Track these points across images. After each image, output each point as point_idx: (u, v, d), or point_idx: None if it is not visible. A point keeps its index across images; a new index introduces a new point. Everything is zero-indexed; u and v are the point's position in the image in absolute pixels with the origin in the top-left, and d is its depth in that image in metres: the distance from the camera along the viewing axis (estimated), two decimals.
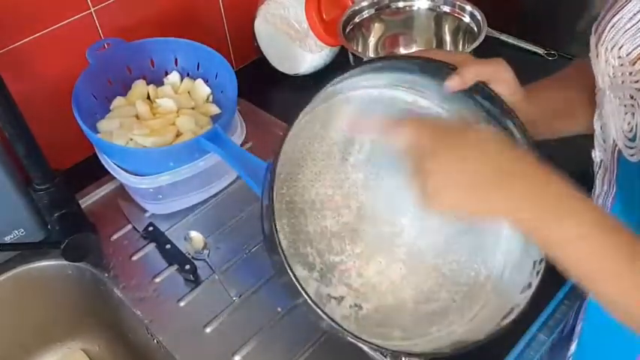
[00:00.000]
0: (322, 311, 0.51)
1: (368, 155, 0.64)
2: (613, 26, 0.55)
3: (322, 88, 0.56)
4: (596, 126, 0.61)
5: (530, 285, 0.57)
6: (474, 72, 0.59)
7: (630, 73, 0.53)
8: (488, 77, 0.60)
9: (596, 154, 0.62)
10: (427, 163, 0.49)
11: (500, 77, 0.60)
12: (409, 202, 0.62)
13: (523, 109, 0.62)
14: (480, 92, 0.59)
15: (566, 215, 0.48)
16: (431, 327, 0.60)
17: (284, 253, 0.51)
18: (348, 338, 0.53)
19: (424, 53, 0.61)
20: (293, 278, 0.51)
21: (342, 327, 0.52)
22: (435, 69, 0.59)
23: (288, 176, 0.61)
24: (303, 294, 0.51)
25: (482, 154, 0.50)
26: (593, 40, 0.58)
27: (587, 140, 0.64)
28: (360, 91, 0.63)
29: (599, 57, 0.57)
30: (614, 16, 0.55)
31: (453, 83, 0.59)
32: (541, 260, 0.57)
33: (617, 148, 0.56)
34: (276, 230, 0.51)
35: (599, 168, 0.62)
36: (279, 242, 0.51)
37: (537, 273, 0.57)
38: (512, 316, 0.57)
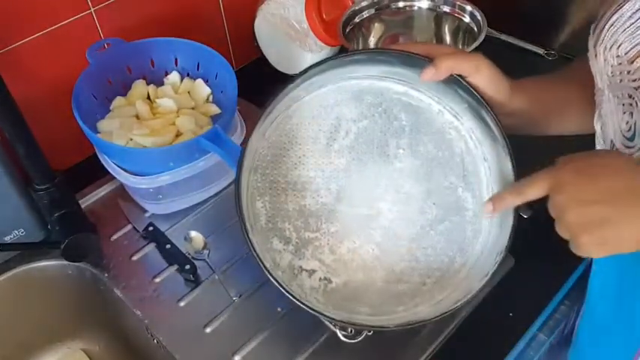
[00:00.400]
0: (277, 282, 0.59)
1: (352, 142, 0.67)
2: (612, 25, 0.55)
3: (300, 76, 0.61)
4: (597, 126, 0.61)
5: (487, 274, 0.61)
6: (450, 64, 0.60)
7: (628, 72, 0.53)
8: (466, 71, 0.61)
9: None
10: (561, 198, 0.50)
11: (480, 72, 0.61)
12: (389, 189, 0.67)
13: (509, 104, 0.63)
14: (457, 84, 0.62)
15: None
16: (398, 307, 0.64)
17: (245, 227, 0.59)
18: (310, 312, 0.59)
19: (408, 47, 0.62)
20: (253, 251, 0.58)
21: (300, 301, 0.59)
22: (415, 61, 0.61)
23: (274, 158, 0.66)
24: (263, 268, 0.59)
25: (614, 172, 0.49)
26: (591, 40, 0.58)
27: (589, 141, 0.64)
28: (351, 81, 0.66)
29: (598, 56, 0.57)
30: (613, 14, 0.55)
31: (427, 74, 0.60)
32: (501, 252, 0.61)
33: (614, 149, 0.56)
34: (240, 207, 0.59)
35: None
36: (244, 220, 0.59)
37: (496, 263, 0.61)
38: (464, 300, 0.61)
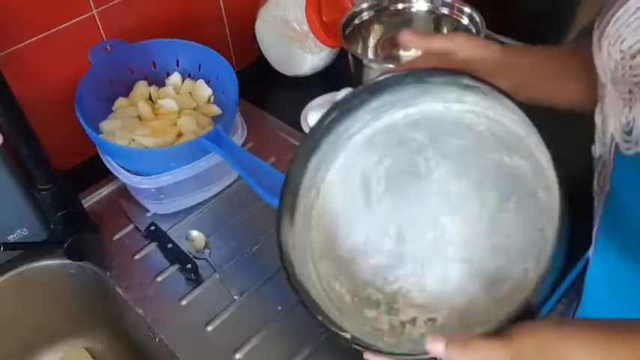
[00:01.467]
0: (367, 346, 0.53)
1: (386, 184, 0.65)
2: (617, 20, 0.54)
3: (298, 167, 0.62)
4: (597, 120, 0.61)
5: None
6: (425, 41, 0.63)
7: (630, 67, 0.53)
8: (442, 45, 0.63)
9: (596, 149, 0.62)
10: None
11: (454, 39, 0.63)
12: (440, 202, 0.63)
13: (504, 64, 0.64)
14: (439, 74, 0.61)
15: None
16: (507, 310, 0.57)
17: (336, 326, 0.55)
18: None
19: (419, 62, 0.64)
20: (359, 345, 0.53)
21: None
22: (380, 87, 0.62)
23: (326, 239, 0.65)
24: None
25: None
26: (596, 33, 0.58)
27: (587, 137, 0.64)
28: (354, 139, 0.66)
29: (602, 50, 0.57)
30: (619, 9, 0.54)
31: (405, 35, 0.63)
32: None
33: (614, 142, 0.57)
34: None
35: (598, 163, 0.62)
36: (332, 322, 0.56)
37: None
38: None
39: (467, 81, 0.59)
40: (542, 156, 0.56)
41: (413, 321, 0.60)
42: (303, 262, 0.62)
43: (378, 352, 0.53)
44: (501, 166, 0.60)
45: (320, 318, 0.56)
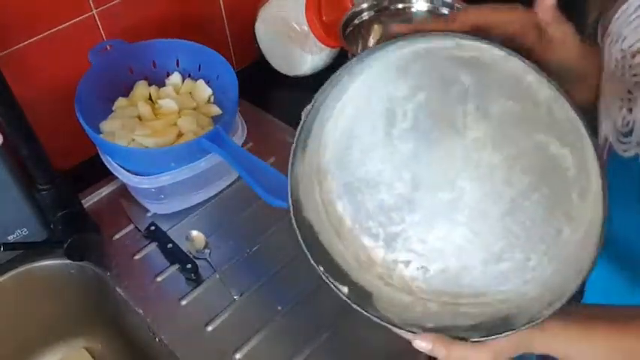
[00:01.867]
0: (363, 309, 0.55)
1: (413, 123, 0.59)
2: (618, 18, 0.54)
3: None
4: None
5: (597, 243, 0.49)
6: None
7: (630, 66, 0.52)
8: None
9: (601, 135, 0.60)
10: None
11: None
12: (468, 165, 0.58)
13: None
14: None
15: None
16: (503, 286, 0.58)
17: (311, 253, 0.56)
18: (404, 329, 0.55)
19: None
20: (323, 275, 0.55)
21: (393, 323, 0.55)
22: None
23: (338, 159, 0.62)
24: (339, 292, 0.55)
25: None
26: (599, 31, 0.58)
27: None
28: (391, 55, 0.57)
29: (604, 49, 0.56)
30: (620, 6, 0.53)
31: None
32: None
33: (608, 143, 0.56)
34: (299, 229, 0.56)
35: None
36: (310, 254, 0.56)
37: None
38: (578, 281, 0.50)
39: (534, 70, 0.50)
40: (591, 160, 0.51)
41: (406, 263, 0.61)
42: (310, 190, 0.61)
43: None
44: (544, 152, 0.55)
45: (321, 269, 0.56)
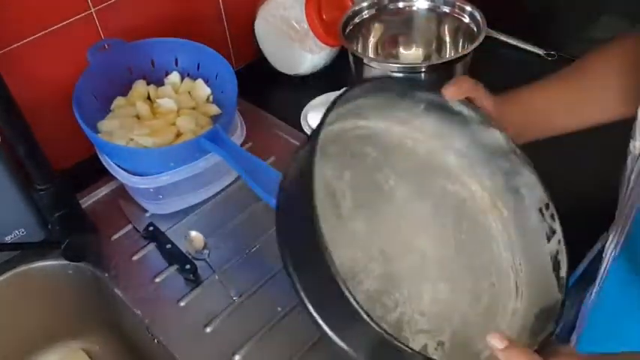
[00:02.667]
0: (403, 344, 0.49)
1: (352, 200, 0.61)
2: None
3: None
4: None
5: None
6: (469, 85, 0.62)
7: None
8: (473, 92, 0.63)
9: (636, 145, 0.59)
10: None
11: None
12: (409, 222, 0.63)
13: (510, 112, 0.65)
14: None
15: None
16: (494, 321, 0.60)
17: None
18: None
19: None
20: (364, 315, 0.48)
21: None
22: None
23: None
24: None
25: None
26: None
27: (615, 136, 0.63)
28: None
29: None
30: None
31: (449, 90, 0.61)
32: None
33: None
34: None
35: (637, 160, 0.59)
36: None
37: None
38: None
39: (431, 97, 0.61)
40: (473, 183, 0.63)
41: (424, 348, 0.58)
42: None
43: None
44: (446, 191, 0.64)
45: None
